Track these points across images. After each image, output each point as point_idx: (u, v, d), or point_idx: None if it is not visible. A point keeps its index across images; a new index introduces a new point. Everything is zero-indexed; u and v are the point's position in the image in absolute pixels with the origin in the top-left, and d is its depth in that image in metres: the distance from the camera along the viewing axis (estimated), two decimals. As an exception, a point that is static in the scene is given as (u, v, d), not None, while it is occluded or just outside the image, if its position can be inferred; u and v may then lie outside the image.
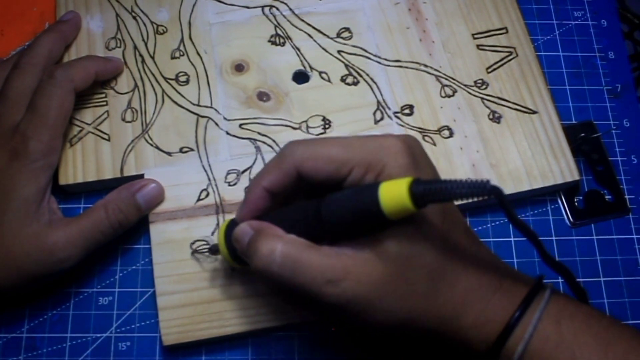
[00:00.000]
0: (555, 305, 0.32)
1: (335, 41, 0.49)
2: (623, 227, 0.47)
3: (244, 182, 0.44)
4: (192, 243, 0.42)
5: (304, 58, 0.48)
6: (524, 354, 0.31)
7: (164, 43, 0.48)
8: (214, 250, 0.41)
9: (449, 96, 0.47)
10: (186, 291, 0.41)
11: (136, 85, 0.47)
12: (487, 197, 0.28)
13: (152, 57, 0.48)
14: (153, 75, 0.47)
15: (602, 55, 0.52)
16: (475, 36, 0.49)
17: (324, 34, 0.49)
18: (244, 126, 0.46)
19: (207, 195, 0.44)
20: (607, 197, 0.48)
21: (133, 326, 0.42)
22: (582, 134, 0.48)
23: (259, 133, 0.46)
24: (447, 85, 0.48)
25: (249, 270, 0.42)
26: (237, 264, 0.37)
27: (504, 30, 0.49)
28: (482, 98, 0.47)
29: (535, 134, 0.46)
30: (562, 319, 0.31)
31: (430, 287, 0.31)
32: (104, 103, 0.46)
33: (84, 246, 0.40)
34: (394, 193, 0.28)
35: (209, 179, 0.44)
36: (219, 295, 0.41)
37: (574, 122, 0.49)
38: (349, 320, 0.32)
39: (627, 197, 0.48)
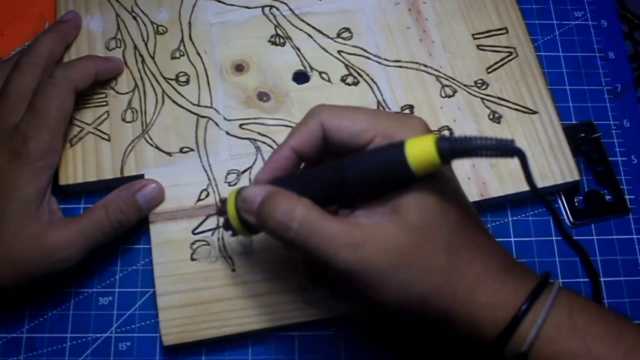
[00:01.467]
0: (566, 296, 0.32)
1: (335, 41, 0.49)
2: (623, 227, 0.47)
3: (244, 182, 0.44)
4: (192, 243, 0.42)
5: (304, 58, 0.48)
6: (536, 340, 0.30)
7: (164, 43, 0.48)
8: (226, 226, 0.38)
9: (449, 96, 0.47)
10: (186, 291, 0.41)
11: (136, 86, 0.47)
12: (510, 157, 0.28)
13: (152, 57, 0.48)
14: (153, 75, 0.47)
15: (602, 55, 0.52)
16: (475, 36, 0.49)
17: (324, 34, 0.49)
18: (244, 126, 0.46)
19: (207, 195, 0.44)
20: (607, 197, 0.48)
21: (133, 326, 0.42)
22: (582, 134, 0.48)
23: (259, 133, 0.46)
24: (447, 86, 0.48)
25: (250, 269, 0.42)
26: (246, 231, 0.36)
27: (504, 30, 0.49)
28: (482, 98, 0.47)
29: (535, 134, 0.46)
30: (573, 308, 0.31)
31: (448, 261, 0.31)
32: (104, 103, 0.46)
33: (84, 246, 0.40)
34: (420, 148, 0.29)
35: (209, 179, 0.44)
36: (219, 295, 0.41)
37: (574, 122, 0.49)
38: (362, 292, 0.31)
39: (627, 197, 0.48)
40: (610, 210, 0.47)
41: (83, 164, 0.44)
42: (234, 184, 0.44)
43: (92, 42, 0.48)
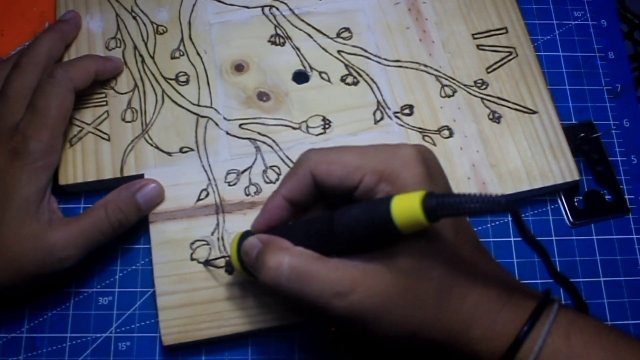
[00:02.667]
0: (564, 319, 0.32)
1: (335, 41, 0.49)
2: (623, 227, 0.47)
3: (244, 182, 0.44)
4: (192, 243, 0.42)
5: (304, 58, 0.48)
6: None
7: (164, 43, 0.48)
8: (229, 270, 0.41)
9: (449, 96, 0.47)
10: (186, 291, 0.41)
11: (136, 85, 0.47)
12: (503, 212, 0.27)
13: (152, 57, 0.48)
14: (153, 75, 0.47)
15: (602, 55, 0.52)
16: (475, 36, 0.49)
17: (324, 34, 0.49)
18: (243, 126, 0.46)
19: (207, 195, 0.44)
20: (607, 197, 0.48)
21: (133, 326, 0.42)
22: (582, 134, 0.48)
23: (259, 133, 0.46)
24: (447, 85, 0.48)
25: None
26: (251, 276, 0.37)
27: (504, 30, 0.49)
28: (482, 98, 0.47)
29: (535, 134, 0.46)
30: (571, 332, 0.31)
31: (440, 300, 0.31)
32: (104, 103, 0.46)
33: (83, 246, 0.40)
34: (406, 207, 0.28)
35: (209, 179, 0.44)
36: (219, 295, 0.41)
37: (574, 122, 0.49)
38: (357, 332, 0.32)
39: (627, 197, 0.48)
40: (610, 210, 0.47)
41: (83, 163, 0.44)
42: (234, 184, 0.44)
43: (92, 42, 0.48)
